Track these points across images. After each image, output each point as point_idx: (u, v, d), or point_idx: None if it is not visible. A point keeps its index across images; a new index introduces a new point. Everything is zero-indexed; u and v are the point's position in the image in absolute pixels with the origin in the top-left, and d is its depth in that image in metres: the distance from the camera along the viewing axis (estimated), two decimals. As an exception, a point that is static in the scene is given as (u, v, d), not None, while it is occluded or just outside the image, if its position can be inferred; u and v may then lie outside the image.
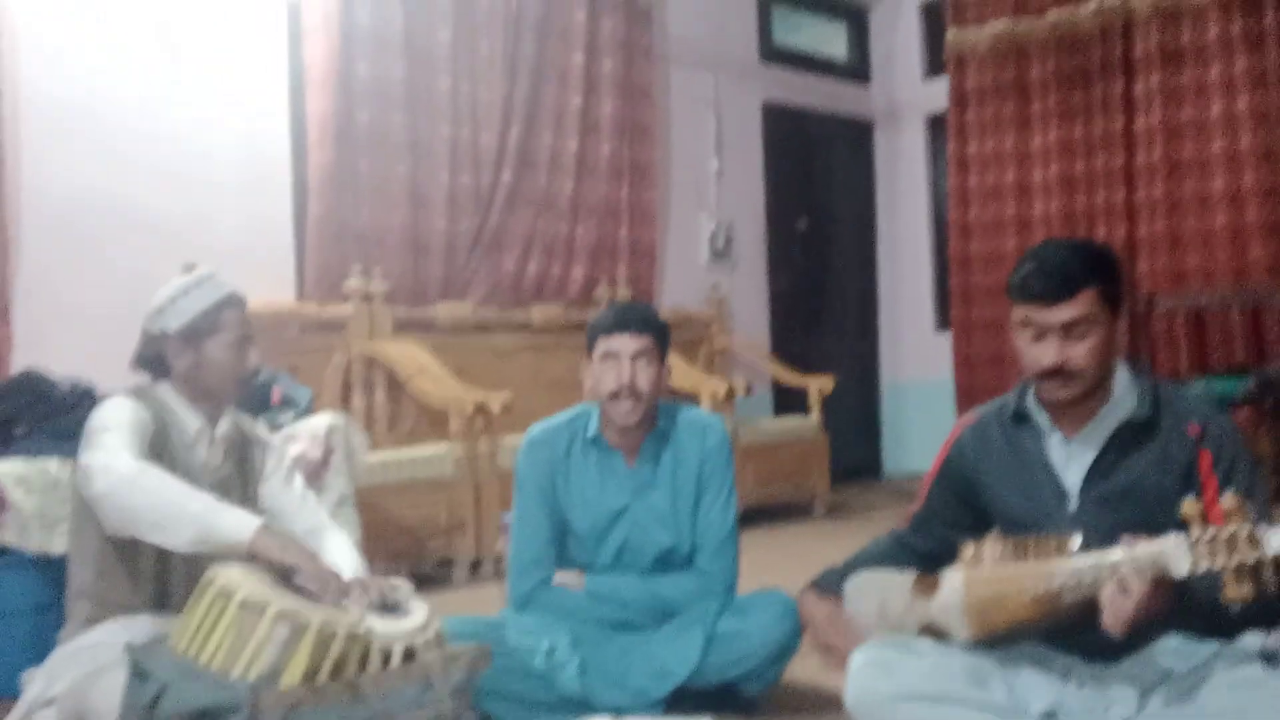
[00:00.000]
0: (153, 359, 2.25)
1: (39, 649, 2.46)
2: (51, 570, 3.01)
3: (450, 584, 4.42)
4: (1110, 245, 2.12)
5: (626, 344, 2.55)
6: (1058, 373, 1.91)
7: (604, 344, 2.57)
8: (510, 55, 5.52)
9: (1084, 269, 1.90)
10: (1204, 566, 1.62)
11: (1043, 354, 1.91)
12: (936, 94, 7.28)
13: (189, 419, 2.25)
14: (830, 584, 2.25)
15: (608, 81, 5.97)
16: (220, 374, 2.23)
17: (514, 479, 2.71)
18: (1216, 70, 6.05)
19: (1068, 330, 1.90)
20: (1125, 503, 1.92)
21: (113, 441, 2.05)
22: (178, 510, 1.95)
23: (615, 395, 2.54)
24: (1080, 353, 1.90)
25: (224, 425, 2.31)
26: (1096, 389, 1.96)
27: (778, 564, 4.22)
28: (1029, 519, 1.99)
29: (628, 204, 6.08)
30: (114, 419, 2.11)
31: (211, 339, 2.22)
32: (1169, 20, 6.19)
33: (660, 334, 2.61)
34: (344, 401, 4.81)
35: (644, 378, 2.55)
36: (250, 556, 1.97)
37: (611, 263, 6.02)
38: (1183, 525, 1.67)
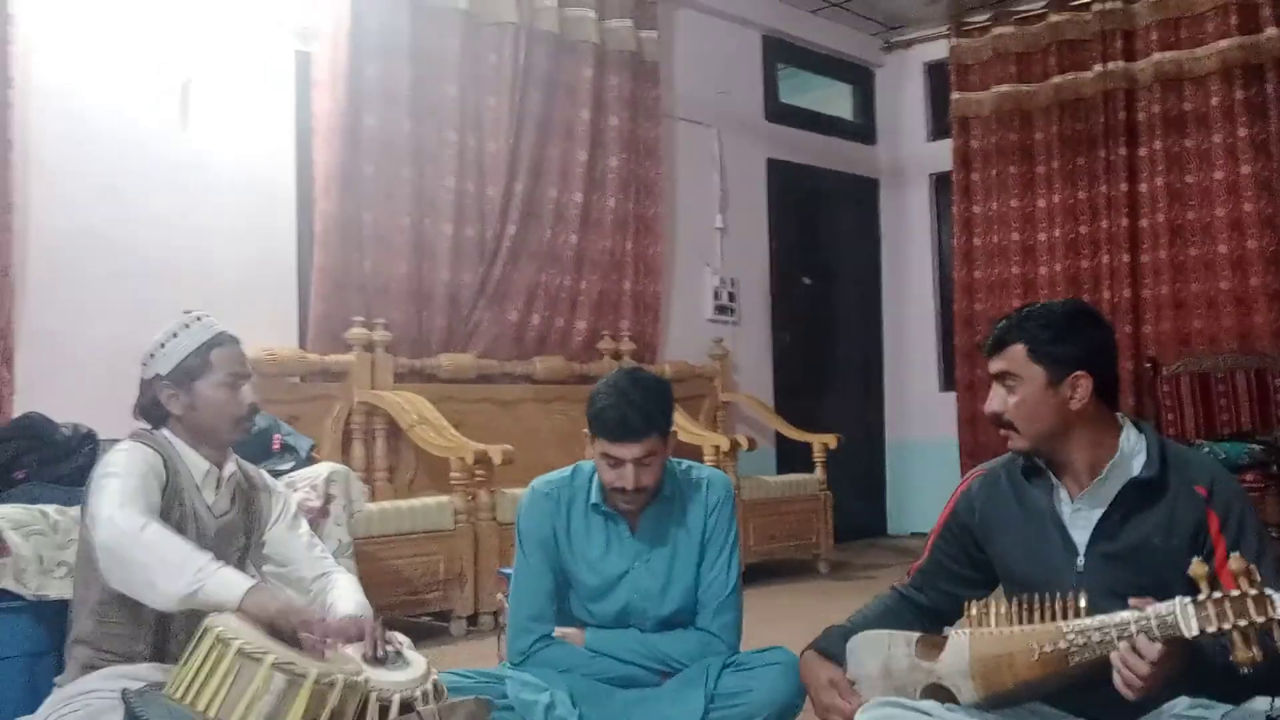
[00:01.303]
0: (149, 405, 2.24)
1: (33, 695, 2.43)
2: (47, 615, 2.98)
3: (447, 637, 4.37)
4: (1092, 308, 2.13)
5: (629, 452, 2.43)
6: (998, 421, 2.01)
7: (604, 446, 2.45)
8: (517, 110, 5.56)
9: (1011, 328, 2.00)
10: (1212, 628, 1.60)
11: (987, 401, 2.04)
12: (941, 154, 7.35)
13: (195, 462, 2.24)
14: (833, 644, 2.22)
15: (614, 137, 6.02)
16: (214, 414, 2.22)
17: (515, 532, 2.68)
18: (1219, 136, 6.11)
19: (1001, 381, 2.00)
20: (1132, 562, 1.91)
21: (120, 489, 2.03)
22: (172, 570, 1.92)
23: (620, 492, 2.49)
24: (1009, 405, 1.98)
25: (229, 468, 2.30)
26: (1053, 445, 1.97)
27: (780, 622, 4.17)
28: (1035, 574, 1.97)
29: (632, 257, 6.10)
30: (124, 466, 2.09)
31: (202, 379, 2.20)
32: (1171, 87, 6.26)
33: (665, 424, 2.49)
34: (344, 451, 4.78)
35: (647, 476, 2.47)
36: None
37: (615, 316, 6.03)
38: (1191, 586, 1.65)
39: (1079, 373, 1.94)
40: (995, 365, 2.01)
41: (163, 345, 2.21)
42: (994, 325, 2.06)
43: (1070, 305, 2.07)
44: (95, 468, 2.14)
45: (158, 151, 4.50)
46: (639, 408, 2.43)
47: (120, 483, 2.04)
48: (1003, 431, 2.01)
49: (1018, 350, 1.97)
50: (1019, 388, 1.97)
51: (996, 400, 2.01)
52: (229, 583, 1.95)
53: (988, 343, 2.04)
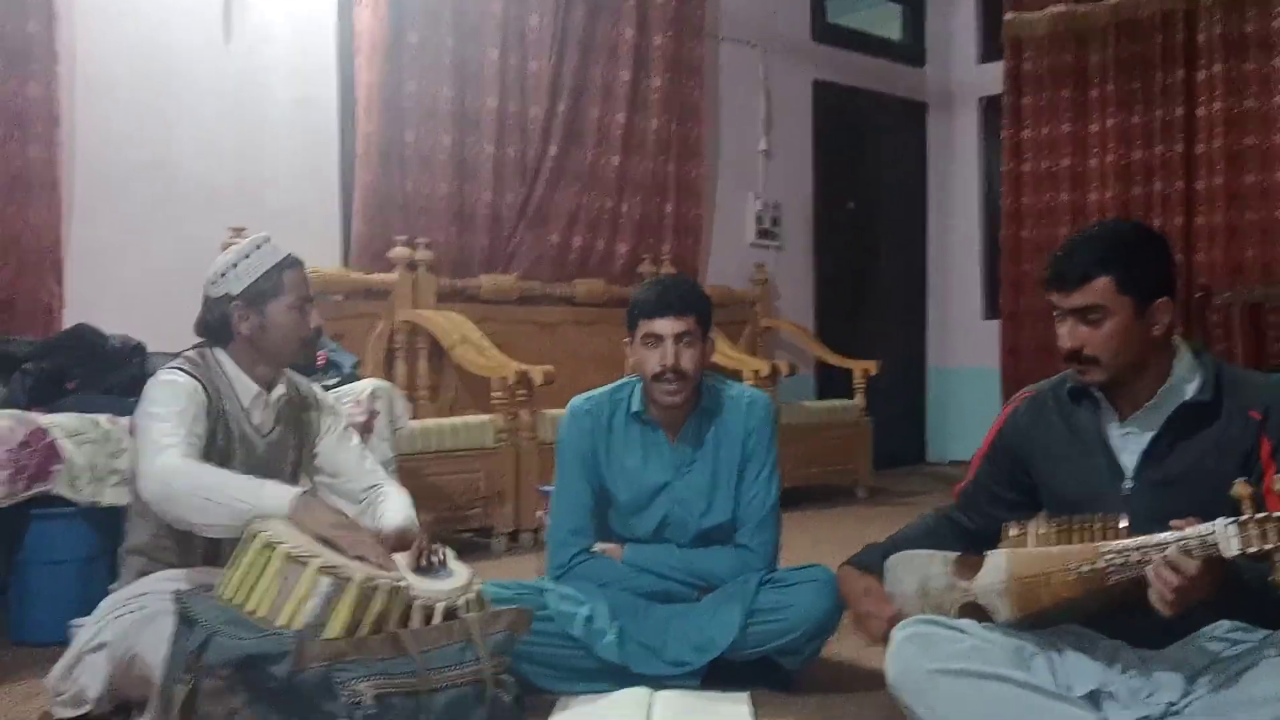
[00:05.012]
0: (216, 324, 2.25)
1: (87, 599, 2.50)
2: (100, 521, 3.06)
3: (489, 553, 4.44)
4: (1154, 229, 2.06)
5: (669, 326, 2.51)
6: (1077, 357, 1.93)
7: (645, 326, 2.54)
8: (560, 28, 5.49)
9: (1098, 258, 1.91)
10: (1253, 548, 1.60)
11: (1063, 337, 1.95)
12: (992, 77, 7.18)
13: (244, 385, 2.26)
14: (871, 561, 2.23)
15: (657, 57, 5.93)
16: (284, 336, 2.25)
17: (555, 449, 2.71)
18: (1281, 60, 5.93)
19: (1082, 316, 1.92)
20: (1181, 486, 1.89)
21: (158, 434, 2.06)
22: (215, 504, 1.97)
23: (659, 377, 2.52)
24: (1095, 339, 1.91)
25: (278, 390, 2.33)
26: (1130, 374, 1.93)
27: (818, 546, 4.20)
28: (1081, 498, 1.96)
29: (674, 180, 6.04)
30: (163, 405, 2.11)
31: (274, 301, 2.23)
32: (1233, 8, 6.07)
33: (703, 312, 2.58)
34: (387, 369, 4.82)
35: (687, 358, 2.52)
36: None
37: (656, 239, 6.00)
38: (1235, 508, 1.64)
39: (1163, 299, 1.91)
40: (1076, 300, 1.92)
41: (234, 265, 2.22)
42: (1060, 258, 1.96)
43: (1136, 227, 2.01)
44: (143, 393, 2.17)
45: (201, 67, 4.49)
46: (677, 288, 2.58)
47: (161, 425, 2.07)
48: (1079, 366, 1.95)
49: (1104, 283, 1.89)
50: (1106, 321, 1.90)
51: (1076, 336, 1.92)
52: (277, 495, 1.99)
53: (1062, 277, 1.94)
